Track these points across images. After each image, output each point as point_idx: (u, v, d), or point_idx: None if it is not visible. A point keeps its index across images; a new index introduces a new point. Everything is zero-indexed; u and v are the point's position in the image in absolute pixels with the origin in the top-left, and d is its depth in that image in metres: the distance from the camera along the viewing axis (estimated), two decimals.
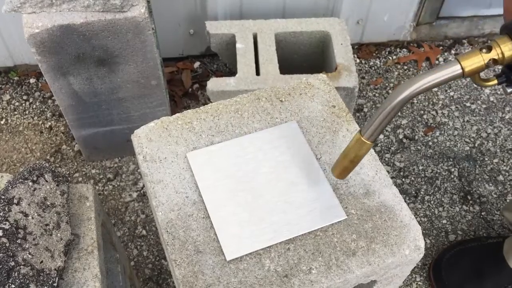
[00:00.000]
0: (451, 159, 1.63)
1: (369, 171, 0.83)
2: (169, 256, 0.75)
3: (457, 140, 1.68)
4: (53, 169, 0.85)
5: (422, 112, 1.74)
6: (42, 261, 0.76)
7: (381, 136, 1.68)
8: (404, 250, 0.76)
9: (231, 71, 1.77)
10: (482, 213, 1.53)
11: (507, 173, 1.61)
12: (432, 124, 1.71)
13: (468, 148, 1.66)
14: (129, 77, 1.32)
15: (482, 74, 0.68)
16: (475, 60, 0.62)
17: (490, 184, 1.58)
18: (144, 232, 1.47)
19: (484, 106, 1.76)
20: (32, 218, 0.78)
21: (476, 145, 1.67)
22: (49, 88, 1.32)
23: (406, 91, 0.63)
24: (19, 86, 1.76)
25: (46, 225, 0.79)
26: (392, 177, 1.59)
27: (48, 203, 0.81)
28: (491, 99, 1.77)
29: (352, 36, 1.82)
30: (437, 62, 1.86)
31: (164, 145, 0.85)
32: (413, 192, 1.57)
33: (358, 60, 1.87)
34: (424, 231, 1.49)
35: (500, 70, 0.69)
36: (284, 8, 1.67)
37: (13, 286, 0.72)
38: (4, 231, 0.75)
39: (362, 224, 0.78)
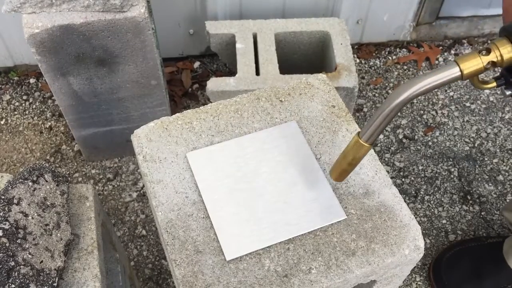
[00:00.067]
0: (451, 159, 1.63)
1: (369, 171, 0.83)
2: (169, 256, 0.75)
3: (457, 140, 1.68)
4: (53, 169, 0.85)
5: (422, 112, 1.74)
6: (42, 261, 0.76)
7: (381, 136, 1.68)
8: (403, 250, 0.76)
9: (231, 71, 1.77)
10: (482, 213, 1.53)
11: (506, 173, 1.61)
12: (432, 124, 1.71)
13: (468, 148, 1.66)
14: (129, 77, 1.32)
15: (482, 75, 0.67)
16: (473, 63, 0.62)
17: (490, 184, 1.58)
18: (144, 232, 1.48)
19: (484, 106, 1.76)
20: (32, 218, 0.78)
21: (476, 145, 1.67)
22: (49, 88, 1.32)
23: (403, 94, 0.63)
24: (19, 86, 1.76)
25: (46, 225, 0.79)
26: (392, 177, 1.59)
27: (48, 203, 0.81)
28: (491, 99, 1.78)
29: (352, 36, 1.82)
30: (436, 62, 1.86)
31: (164, 145, 0.85)
32: (413, 192, 1.57)
33: (358, 60, 1.87)
34: (424, 231, 1.49)
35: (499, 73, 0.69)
36: (284, 8, 1.67)
37: (13, 286, 0.72)
38: (4, 231, 0.75)
39: (361, 224, 0.78)
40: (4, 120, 1.69)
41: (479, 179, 1.60)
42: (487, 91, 1.79)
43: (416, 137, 1.68)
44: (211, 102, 0.92)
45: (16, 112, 1.71)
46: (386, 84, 1.80)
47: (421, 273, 1.43)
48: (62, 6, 1.14)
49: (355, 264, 0.74)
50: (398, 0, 1.72)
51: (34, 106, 1.72)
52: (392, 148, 1.65)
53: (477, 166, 1.62)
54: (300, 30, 1.48)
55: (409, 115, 1.73)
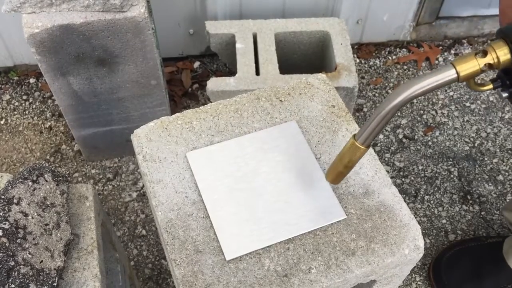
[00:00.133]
0: (450, 159, 1.63)
1: (369, 171, 0.83)
2: (168, 255, 0.75)
3: (457, 140, 1.68)
4: (52, 169, 0.85)
5: (421, 112, 1.74)
6: (42, 261, 0.76)
7: (381, 136, 1.68)
8: (403, 250, 0.76)
9: (231, 71, 1.77)
10: (482, 213, 1.53)
11: (506, 173, 1.61)
12: (431, 124, 1.71)
13: (467, 148, 1.66)
14: (128, 77, 1.32)
15: (482, 77, 0.67)
16: (470, 65, 0.62)
17: (490, 184, 1.58)
18: (144, 232, 1.48)
19: (483, 106, 1.76)
20: (32, 218, 0.78)
21: (475, 145, 1.67)
22: (49, 88, 1.32)
23: (400, 97, 0.63)
24: (19, 86, 1.76)
25: (46, 224, 0.79)
26: (391, 177, 1.59)
27: (48, 203, 0.81)
28: (491, 99, 1.78)
29: (352, 36, 1.82)
30: (436, 62, 1.86)
31: (164, 145, 0.85)
32: (413, 192, 1.57)
33: (357, 60, 1.87)
34: (423, 231, 1.49)
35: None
36: (283, 8, 1.67)
37: (13, 285, 0.72)
38: (4, 230, 0.75)
39: (361, 223, 0.78)
40: (4, 120, 1.69)
41: (479, 179, 1.60)
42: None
43: (416, 137, 1.68)
44: (211, 102, 0.92)
45: (16, 112, 1.71)
46: (386, 84, 1.80)
47: (421, 273, 1.43)
48: (62, 6, 1.14)
49: (355, 263, 0.74)
50: (398, 0, 1.72)
51: (34, 106, 1.72)
52: (392, 148, 1.65)
53: (477, 166, 1.62)
54: (300, 30, 1.48)
55: (409, 115, 1.73)
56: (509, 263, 1.32)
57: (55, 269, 0.77)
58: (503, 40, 0.62)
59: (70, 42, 1.19)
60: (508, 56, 0.61)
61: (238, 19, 1.66)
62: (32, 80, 1.77)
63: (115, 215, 1.50)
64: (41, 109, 1.71)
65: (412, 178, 1.59)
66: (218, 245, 0.75)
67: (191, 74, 1.79)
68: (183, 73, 1.79)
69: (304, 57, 1.57)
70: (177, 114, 0.88)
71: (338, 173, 0.73)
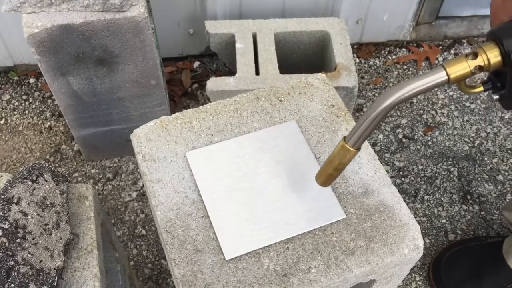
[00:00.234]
0: (450, 159, 1.63)
1: (368, 171, 0.83)
2: (168, 255, 0.75)
3: (457, 139, 1.68)
4: (52, 168, 0.85)
5: (421, 111, 1.74)
6: (41, 261, 0.76)
7: (381, 136, 1.68)
8: (403, 249, 0.76)
9: (231, 71, 1.77)
10: (482, 213, 1.53)
11: (506, 173, 1.61)
12: (431, 124, 1.71)
13: (467, 147, 1.66)
14: (128, 77, 1.32)
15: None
16: (460, 67, 0.61)
17: (490, 184, 1.58)
18: (143, 231, 1.48)
19: (483, 105, 1.76)
20: (32, 217, 0.78)
21: (475, 144, 1.67)
22: (49, 88, 1.32)
23: (390, 99, 0.62)
24: (18, 86, 1.76)
25: (46, 224, 0.79)
26: (391, 177, 1.59)
27: (48, 203, 0.81)
28: None
29: (352, 36, 1.82)
30: (436, 61, 1.86)
31: (163, 144, 0.85)
32: (413, 192, 1.57)
33: (357, 60, 1.87)
34: (423, 231, 1.49)
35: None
36: (283, 7, 1.67)
37: (12, 285, 0.72)
38: (4, 230, 0.75)
39: (361, 223, 0.78)
40: (3, 120, 1.69)
41: (479, 178, 1.60)
42: None
43: (415, 136, 1.68)
44: (211, 102, 0.92)
45: (15, 112, 1.71)
46: (386, 84, 1.80)
47: (421, 273, 1.43)
48: (62, 6, 1.14)
49: (354, 263, 0.74)
50: (398, 0, 1.72)
51: (33, 106, 1.72)
52: (391, 148, 1.66)
53: (476, 166, 1.62)
54: (299, 30, 1.48)
55: (408, 114, 1.73)
56: (509, 263, 1.32)
57: (54, 268, 0.77)
58: (494, 42, 0.61)
59: (70, 42, 1.19)
60: (499, 58, 0.61)
61: (238, 19, 1.66)
62: (32, 80, 1.77)
63: (115, 215, 1.50)
64: (41, 109, 1.71)
65: (412, 178, 1.59)
66: (217, 244, 0.75)
67: (191, 74, 1.79)
68: (183, 73, 1.79)
69: (303, 57, 1.57)
70: (177, 113, 0.88)
71: (328, 175, 0.72)
